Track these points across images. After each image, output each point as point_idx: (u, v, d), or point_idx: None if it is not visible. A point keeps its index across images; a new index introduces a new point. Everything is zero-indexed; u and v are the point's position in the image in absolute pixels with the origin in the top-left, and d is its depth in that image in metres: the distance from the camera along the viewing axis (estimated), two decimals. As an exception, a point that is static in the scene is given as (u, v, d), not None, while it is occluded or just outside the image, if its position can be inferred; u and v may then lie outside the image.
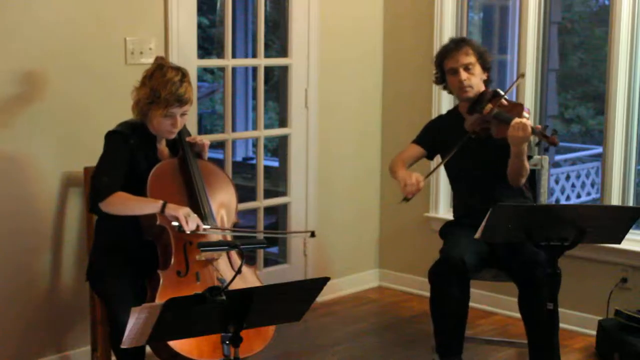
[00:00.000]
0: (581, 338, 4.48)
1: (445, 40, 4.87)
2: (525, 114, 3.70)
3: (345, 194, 5.23)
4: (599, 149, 5.61)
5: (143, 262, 3.37)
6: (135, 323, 2.39)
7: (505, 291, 4.54)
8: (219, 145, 5.02)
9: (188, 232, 3.23)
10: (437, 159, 4.15)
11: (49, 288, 3.88)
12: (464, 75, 3.84)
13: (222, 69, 4.77)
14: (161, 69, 3.39)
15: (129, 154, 3.39)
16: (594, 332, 4.32)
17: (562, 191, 8.26)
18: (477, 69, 3.87)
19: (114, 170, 3.35)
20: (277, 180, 5.74)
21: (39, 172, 3.80)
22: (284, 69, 4.95)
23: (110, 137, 3.42)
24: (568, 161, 8.59)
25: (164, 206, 3.26)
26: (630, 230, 3.34)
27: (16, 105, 3.72)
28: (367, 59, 5.26)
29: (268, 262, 5.12)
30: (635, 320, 4.06)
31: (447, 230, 4.01)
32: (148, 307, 2.38)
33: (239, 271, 2.69)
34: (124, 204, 3.31)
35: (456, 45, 3.90)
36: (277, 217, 5.45)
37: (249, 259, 4.03)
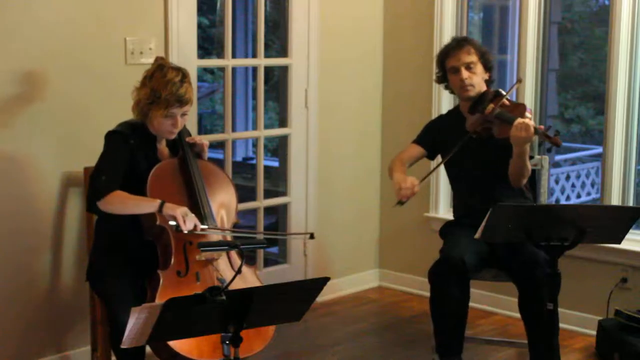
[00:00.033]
0: (581, 338, 4.48)
1: (445, 40, 4.88)
2: (527, 114, 3.69)
3: (345, 194, 5.23)
4: (599, 149, 5.61)
5: (143, 262, 3.37)
6: (135, 323, 2.39)
7: (505, 291, 4.54)
8: (219, 145, 5.02)
9: (185, 232, 3.23)
10: (437, 159, 4.15)
11: (49, 288, 3.88)
12: (465, 74, 3.83)
13: (222, 69, 4.77)
14: (161, 69, 3.39)
15: (129, 154, 3.39)
16: (594, 332, 4.32)
17: (562, 191, 8.26)
18: (479, 68, 3.86)
19: (113, 170, 3.35)
20: (277, 180, 5.74)
21: (39, 172, 3.80)
22: (284, 69, 4.95)
23: (110, 137, 3.42)
24: (568, 161, 8.59)
25: (161, 205, 3.26)
26: (630, 230, 3.33)
27: (16, 105, 3.72)
28: (367, 59, 5.26)
29: (268, 262, 5.12)
30: (635, 320, 4.06)
31: (447, 230, 4.01)
32: (148, 307, 2.38)
33: (239, 271, 2.69)
34: (122, 203, 3.31)
35: (458, 44, 3.90)
36: (277, 217, 5.45)
37: (248, 259, 4.03)
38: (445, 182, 4.90)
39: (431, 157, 4.11)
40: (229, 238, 3.41)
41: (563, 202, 8.07)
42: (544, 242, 3.19)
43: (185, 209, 3.27)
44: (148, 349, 3.26)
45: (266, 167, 5.06)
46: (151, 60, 3.64)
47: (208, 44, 9.56)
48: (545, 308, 3.24)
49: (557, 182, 8.18)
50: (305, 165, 5.01)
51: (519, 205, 3.52)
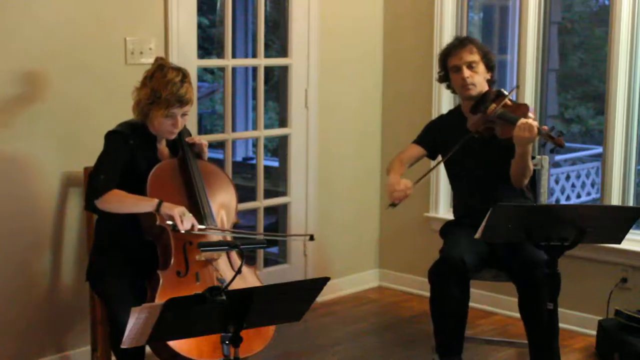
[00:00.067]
0: (581, 338, 4.48)
1: (446, 40, 4.90)
2: (530, 114, 3.68)
3: (345, 194, 5.22)
4: (599, 149, 5.61)
5: (143, 262, 3.38)
6: (135, 323, 2.39)
7: (505, 291, 4.54)
8: (219, 145, 5.02)
9: (182, 232, 3.23)
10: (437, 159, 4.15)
11: (49, 288, 3.88)
12: (467, 72, 3.83)
13: (222, 69, 4.77)
14: (162, 69, 3.39)
15: (129, 154, 3.39)
16: (594, 332, 4.32)
17: (562, 191, 8.26)
18: (481, 68, 3.86)
19: (112, 169, 3.35)
20: (277, 180, 5.74)
21: (39, 172, 3.80)
22: (284, 69, 4.95)
23: (110, 136, 3.42)
24: (568, 161, 8.59)
25: (159, 205, 3.26)
26: (630, 230, 3.33)
27: (16, 105, 3.73)
28: (367, 59, 5.26)
29: (268, 262, 5.12)
30: (635, 320, 4.06)
31: (447, 230, 4.01)
32: (148, 307, 2.38)
33: (239, 271, 2.69)
34: (119, 202, 3.32)
35: (460, 43, 3.90)
36: (277, 217, 5.45)
37: (248, 259, 4.03)
38: (445, 182, 4.90)
39: (432, 157, 4.11)
40: (228, 238, 3.41)
41: (563, 202, 8.07)
42: (544, 242, 3.19)
43: (182, 209, 3.27)
44: (148, 349, 3.26)
45: (266, 167, 5.06)
46: (151, 60, 3.64)
47: (208, 44, 9.56)
48: (545, 308, 3.24)
49: (557, 182, 8.18)
50: (305, 165, 5.01)
51: (519, 205, 3.52)
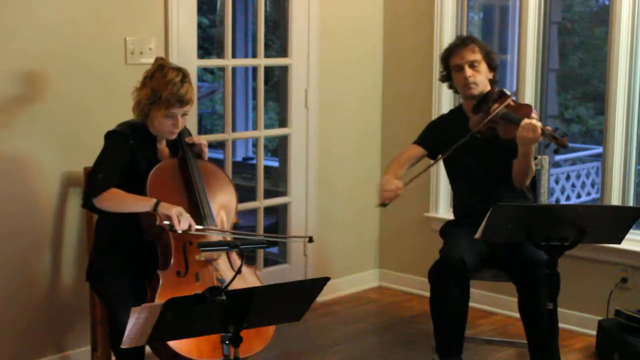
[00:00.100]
0: (581, 338, 4.48)
1: (446, 40, 4.90)
2: (533, 114, 3.67)
3: (345, 194, 5.22)
4: (599, 149, 5.61)
5: (143, 262, 3.38)
6: (135, 323, 2.39)
7: (505, 291, 4.54)
8: (219, 145, 5.02)
9: (180, 232, 3.23)
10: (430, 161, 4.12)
11: (49, 288, 3.88)
12: (469, 71, 3.83)
13: (222, 69, 4.77)
14: (162, 69, 3.39)
15: (129, 155, 3.40)
16: (594, 332, 4.32)
17: (562, 191, 8.26)
18: (483, 67, 3.86)
19: (110, 168, 3.36)
20: (277, 180, 5.74)
21: (39, 172, 3.80)
22: (284, 69, 4.95)
23: (110, 136, 3.43)
24: (568, 161, 8.59)
25: (157, 204, 3.26)
26: (630, 230, 3.33)
27: (16, 105, 3.73)
28: (367, 59, 5.26)
29: (268, 262, 5.12)
30: (635, 320, 4.06)
31: (447, 230, 4.01)
32: (148, 307, 2.38)
33: (238, 271, 2.70)
34: (117, 201, 3.32)
35: (463, 42, 3.90)
36: (277, 217, 5.45)
37: (248, 259, 4.03)
38: (445, 182, 4.90)
39: (432, 157, 4.09)
40: (228, 238, 3.41)
41: (563, 202, 8.07)
42: (544, 242, 3.19)
43: (180, 209, 3.27)
44: (148, 349, 3.26)
45: (266, 167, 5.06)
46: (151, 60, 3.64)
47: (208, 44, 9.56)
48: (544, 308, 3.24)
49: (557, 182, 8.18)
50: (305, 165, 5.01)
51: (519, 205, 3.52)
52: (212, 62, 8.21)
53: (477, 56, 3.85)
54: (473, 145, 3.78)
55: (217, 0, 8.66)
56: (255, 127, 4.92)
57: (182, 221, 3.24)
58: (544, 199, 4.09)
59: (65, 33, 3.83)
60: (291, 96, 4.90)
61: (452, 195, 4.19)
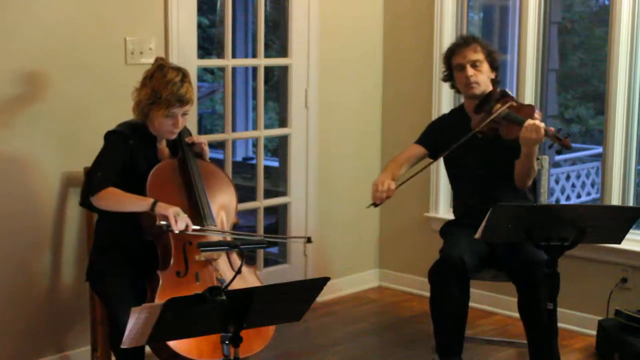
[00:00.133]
0: (581, 338, 4.48)
1: (446, 40, 4.91)
2: (536, 115, 3.66)
3: (345, 194, 5.22)
4: (599, 149, 5.61)
5: (143, 262, 3.37)
6: (135, 323, 2.39)
7: (505, 291, 4.54)
8: (219, 145, 5.02)
9: (176, 232, 3.23)
10: (426, 162, 4.10)
11: (49, 288, 3.88)
12: (470, 71, 3.82)
13: (222, 69, 4.77)
14: (162, 69, 3.39)
15: (128, 155, 3.40)
16: (594, 332, 4.32)
17: (562, 191, 8.26)
18: (485, 67, 3.85)
19: (109, 167, 3.36)
20: (277, 180, 5.74)
21: (39, 172, 3.80)
22: (284, 69, 4.95)
23: (110, 136, 3.43)
24: (568, 161, 8.59)
25: (154, 204, 3.25)
26: (630, 230, 3.33)
27: (16, 105, 3.73)
28: (367, 59, 5.26)
29: (268, 262, 5.12)
30: (635, 320, 4.06)
31: (447, 230, 4.01)
32: (148, 307, 2.38)
33: (238, 271, 2.70)
34: (114, 200, 3.31)
35: (465, 41, 3.89)
36: (277, 217, 5.45)
37: (248, 259, 4.03)
38: (445, 182, 4.90)
39: (433, 156, 4.08)
40: (228, 238, 3.41)
41: (563, 202, 8.07)
42: (544, 242, 3.19)
43: (177, 209, 3.27)
44: (148, 349, 3.26)
45: (266, 167, 5.06)
46: (151, 60, 3.64)
47: (208, 44, 9.56)
48: (544, 308, 3.24)
49: (557, 182, 8.18)
50: (305, 165, 5.01)
51: (519, 205, 3.52)
52: (212, 62, 8.21)
53: (479, 56, 3.84)
54: (474, 145, 3.78)
55: (217, 0, 8.67)
56: (255, 127, 4.92)
57: (179, 221, 3.24)
58: (544, 199, 4.09)
59: (65, 33, 3.83)
60: (291, 96, 4.90)
61: (452, 195, 4.18)
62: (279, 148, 6.02)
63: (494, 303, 4.86)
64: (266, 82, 5.43)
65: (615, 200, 4.44)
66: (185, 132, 3.59)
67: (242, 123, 9.17)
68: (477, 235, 3.27)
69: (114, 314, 3.28)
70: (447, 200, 5.07)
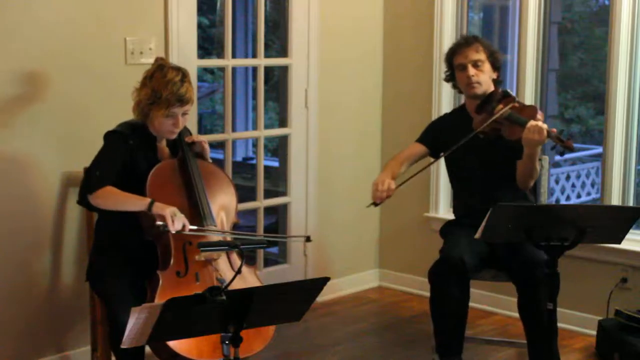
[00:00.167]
0: (581, 338, 4.48)
1: (446, 40, 4.91)
2: (539, 116, 3.64)
3: (345, 194, 5.22)
4: (599, 149, 5.61)
5: (143, 262, 3.37)
6: (135, 323, 2.39)
7: (505, 291, 4.54)
8: (219, 145, 5.02)
9: (173, 232, 3.22)
10: (427, 161, 4.09)
11: (49, 288, 3.88)
12: (472, 71, 3.82)
13: (222, 69, 4.77)
14: (161, 69, 3.39)
15: (128, 155, 3.40)
16: (594, 332, 4.32)
17: (562, 191, 8.26)
18: (487, 67, 3.85)
19: (108, 167, 3.36)
20: (277, 180, 5.74)
21: (39, 172, 3.80)
22: (284, 69, 4.95)
23: (109, 136, 3.43)
24: (568, 161, 8.59)
25: (151, 204, 3.25)
26: (630, 230, 3.34)
27: (16, 105, 3.73)
28: (367, 59, 5.26)
29: (268, 262, 5.12)
30: (635, 320, 4.06)
31: (447, 230, 4.01)
32: (148, 307, 2.38)
33: (238, 271, 2.70)
34: (112, 199, 3.31)
35: (466, 41, 3.89)
36: (277, 217, 5.45)
37: (248, 259, 4.03)
38: (445, 182, 4.90)
39: (434, 155, 4.07)
40: (229, 238, 3.41)
41: (563, 202, 8.07)
42: (544, 242, 3.19)
43: (174, 209, 3.26)
44: (148, 349, 3.26)
45: (266, 167, 5.06)
46: (151, 60, 3.64)
47: (208, 44, 9.56)
48: (544, 308, 3.24)
49: (557, 182, 8.18)
50: (305, 165, 5.01)
51: (519, 205, 3.52)
52: (212, 62, 8.21)
53: (481, 55, 3.84)
54: (475, 145, 3.77)
55: (217, 0, 8.66)
56: (255, 127, 4.92)
57: (176, 221, 3.23)
58: (544, 199, 4.09)
59: (65, 33, 3.83)
60: (291, 96, 4.90)
61: (453, 195, 4.18)
62: (279, 148, 6.02)
63: (494, 303, 4.86)
64: (266, 82, 5.43)
65: (615, 200, 4.44)
66: (185, 131, 3.59)
67: (242, 123, 9.17)
68: (477, 235, 3.27)
69: (114, 314, 3.27)
70: (447, 200, 5.07)
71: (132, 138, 3.41)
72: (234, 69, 4.99)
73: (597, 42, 8.56)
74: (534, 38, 4.70)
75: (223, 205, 3.54)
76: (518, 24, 4.80)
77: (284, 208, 5.09)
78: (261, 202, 4.86)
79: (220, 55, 5.14)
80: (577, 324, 4.54)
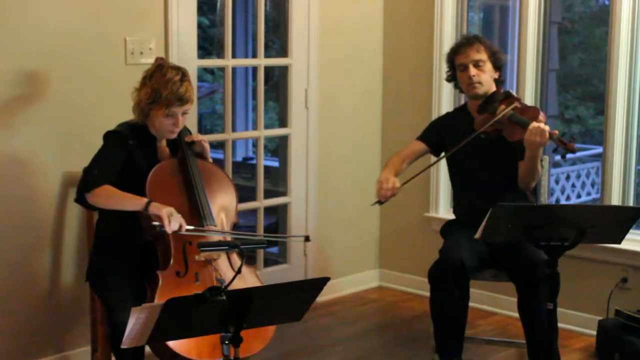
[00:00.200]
0: (581, 338, 4.48)
1: (446, 40, 4.91)
2: (541, 117, 3.63)
3: (345, 194, 5.22)
4: (599, 149, 5.61)
5: (143, 262, 3.37)
6: (135, 323, 2.39)
7: (505, 291, 4.54)
8: (219, 145, 5.01)
9: (169, 232, 3.22)
10: (432, 159, 4.10)
11: (49, 288, 3.88)
12: (473, 71, 3.81)
13: (222, 69, 4.77)
14: (161, 69, 3.39)
15: (128, 155, 3.39)
16: (594, 332, 4.32)
17: (562, 191, 8.26)
18: (488, 67, 3.84)
19: (106, 166, 3.35)
20: (277, 180, 5.74)
21: (40, 172, 3.80)
22: (284, 69, 4.95)
23: (109, 136, 3.43)
24: (568, 161, 8.59)
25: (148, 204, 3.25)
26: (630, 230, 3.34)
27: (16, 105, 3.72)
28: (367, 59, 5.26)
29: (268, 262, 5.12)
30: (635, 320, 4.06)
31: (447, 230, 4.01)
32: (148, 307, 2.38)
33: (238, 271, 2.70)
34: (109, 197, 3.31)
35: (468, 41, 3.88)
36: (277, 217, 5.45)
37: (248, 259, 4.03)
38: (445, 182, 4.90)
39: (435, 153, 4.06)
40: (229, 238, 3.41)
41: (563, 202, 8.07)
42: (544, 242, 3.19)
43: (171, 209, 3.26)
44: (148, 349, 3.26)
45: (266, 167, 5.06)
46: (151, 60, 3.64)
47: (208, 44, 9.56)
48: (544, 308, 3.24)
49: (557, 182, 8.18)
50: (305, 165, 5.01)
51: (519, 205, 3.52)
52: (212, 62, 8.20)
53: (482, 55, 3.83)
54: (477, 145, 3.76)
55: (217, 0, 8.66)
56: (255, 127, 4.92)
57: (173, 222, 3.22)
58: (544, 199, 4.09)
59: (65, 33, 3.83)
60: (291, 96, 4.90)
61: (453, 195, 4.18)
62: (279, 148, 6.02)
63: (494, 303, 4.86)
64: (266, 82, 5.43)
65: (615, 200, 4.44)
66: (185, 131, 3.59)
67: (242, 123, 9.17)
68: (477, 236, 3.27)
69: (113, 314, 3.27)
70: (447, 200, 5.07)
71: (132, 138, 3.41)
72: (234, 69, 4.99)
73: (597, 42, 8.56)
74: (534, 38, 4.70)
75: (223, 205, 3.54)
76: (518, 24, 4.80)
77: (284, 208, 5.10)
78: (261, 202, 4.86)
79: (220, 55, 5.14)
80: (577, 324, 4.55)
